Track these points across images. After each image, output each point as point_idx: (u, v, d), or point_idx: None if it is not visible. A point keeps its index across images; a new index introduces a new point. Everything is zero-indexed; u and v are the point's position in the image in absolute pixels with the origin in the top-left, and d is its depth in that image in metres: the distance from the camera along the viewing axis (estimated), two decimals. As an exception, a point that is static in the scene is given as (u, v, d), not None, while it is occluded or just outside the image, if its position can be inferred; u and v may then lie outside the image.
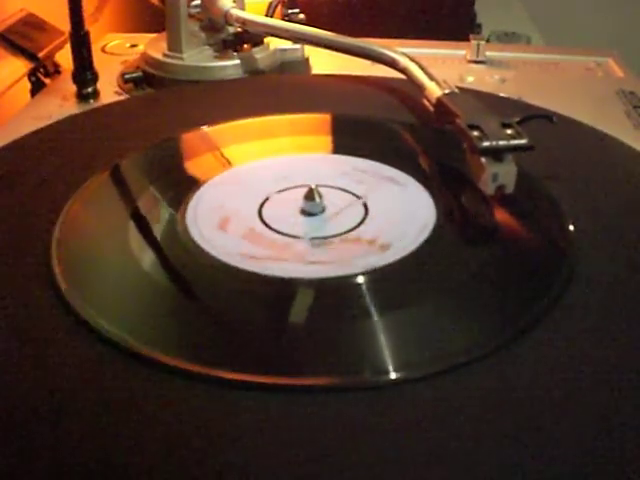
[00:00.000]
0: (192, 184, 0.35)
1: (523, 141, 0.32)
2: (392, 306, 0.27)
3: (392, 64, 0.44)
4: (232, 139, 0.40)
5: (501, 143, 0.32)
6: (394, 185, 0.35)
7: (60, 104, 0.48)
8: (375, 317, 0.27)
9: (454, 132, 0.35)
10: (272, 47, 0.53)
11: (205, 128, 0.41)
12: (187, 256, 0.30)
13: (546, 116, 0.37)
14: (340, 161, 0.37)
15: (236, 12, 0.50)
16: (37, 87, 0.53)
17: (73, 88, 0.49)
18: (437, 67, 0.48)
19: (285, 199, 0.34)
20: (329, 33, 0.47)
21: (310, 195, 0.32)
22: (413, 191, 0.35)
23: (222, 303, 0.28)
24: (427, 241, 0.31)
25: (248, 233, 0.32)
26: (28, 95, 0.53)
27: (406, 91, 0.44)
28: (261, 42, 0.52)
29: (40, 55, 0.54)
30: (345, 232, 0.31)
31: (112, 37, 0.61)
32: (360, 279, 0.28)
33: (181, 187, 0.35)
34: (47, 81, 0.54)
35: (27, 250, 0.30)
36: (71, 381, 0.24)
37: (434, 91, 0.39)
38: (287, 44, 0.53)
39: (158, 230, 0.33)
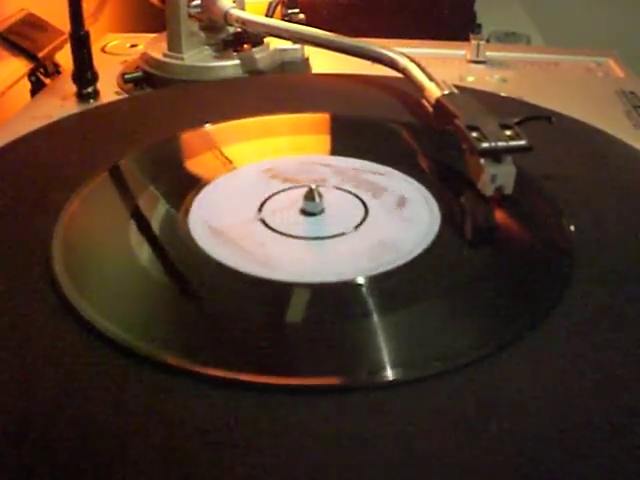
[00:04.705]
0: (192, 184, 0.35)
1: (522, 142, 0.32)
2: (392, 307, 0.27)
3: (392, 64, 0.44)
4: (232, 139, 0.40)
5: (500, 144, 0.32)
6: (394, 185, 0.35)
7: (60, 104, 0.48)
8: (375, 318, 0.27)
9: (453, 133, 0.35)
10: (272, 47, 0.53)
11: (205, 128, 0.41)
12: (188, 256, 0.30)
13: (545, 117, 0.37)
14: (340, 161, 0.37)
15: (236, 12, 0.50)
16: (37, 87, 0.53)
17: (73, 88, 0.49)
18: (437, 67, 0.48)
19: (285, 199, 0.34)
20: (329, 33, 0.47)
21: (310, 195, 0.32)
22: (413, 191, 0.35)
23: (222, 303, 0.28)
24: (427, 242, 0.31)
25: (248, 233, 0.32)
26: (28, 95, 0.53)
27: (406, 91, 0.44)
28: (261, 42, 0.52)
29: (40, 55, 0.54)
30: (345, 232, 0.32)
31: (112, 37, 0.61)
32: (360, 280, 0.28)
33: (181, 187, 0.35)
34: (47, 81, 0.54)
35: (27, 250, 0.30)
36: (71, 380, 0.24)
37: (433, 92, 0.39)
38: (287, 44, 0.53)
39: (159, 230, 0.33)
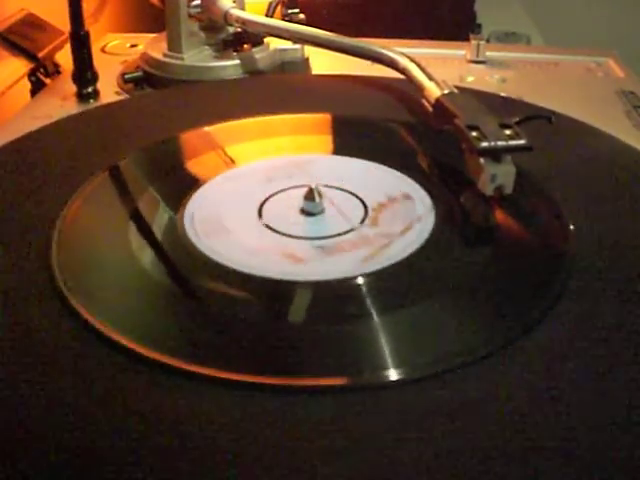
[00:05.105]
0: (192, 184, 0.35)
1: (522, 142, 0.32)
2: (392, 307, 0.27)
3: (392, 64, 0.44)
4: (232, 139, 0.40)
5: (500, 144, 0.32)
6: (394, 185, 0.35)
7: (60, 104, 0.49)
8: (375, 318, 0.27)
9: (453, 132, 0.35)
10: (272, 47, 0.53)
11: (205, 128, 0.41)
12: (187, 257, 0.30)
13: (545, 116, 0.37)
14: (340, 161, 0.37)
15: (236, 12, 0.50)
16: (37, 87, 0.53)
17: (73, 88, 0.49)
18: (437, 67, 0.48)
19: (285, 199, 0.34)
20: (329, 33, 0.47)
21: (310, 195, 0.32)
22: (413, 191, 0.35)
23: (222, 304, 0.28)
24: (427, 241, 0.31)
25: (247, 233, 0.32)
26: (28, 95, 0.53)
27: (406, 91, 0.44)
28: (261, 42, 0.52)
29: (40, 55, 0.54)
30: (345, 232, 0.32)
31: (112, 37, 0.61)
32: (360, 280, 0.28)
33: (181, 187, 0.35)
34: (47, 81, 0.54)
35: (27, 250, 0.30)
36: (71, 380, 0.24)
37: (433, 91, 0.39)
38: (287, 44, 0.53)
39: (158, 230, 0.33)
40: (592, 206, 0.34)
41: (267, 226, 0.32)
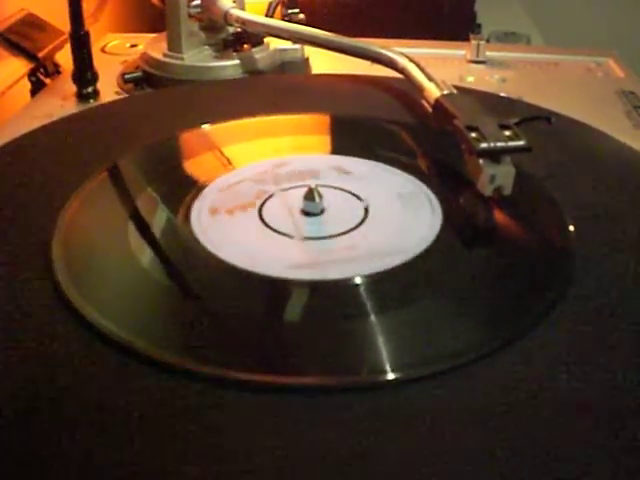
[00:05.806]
0: (192, 184, 0.35)
1: (521, 142, 0.32)
2: (391, 306, 0.27)
3: (391, 64, 0.44)
4: (232, 139, 0.40)
5: (499, 145, 0.32)
6: (394, 185, 0.35)
7: (60, 104, 0.49)
8: (374, 317, 0.27)
9: (452, 133, 0.35)
10: (272, 47, 0.53)
11: (205, 128, 0.41)
12: (187, 255, 0.30)
13: (544, 117, 0.37)
14: (340, 161, 0.37)
15: (236, 12, 0.50)
16: (37, 87, 0.53)
17: (73, 88, 0.49)
18: (437, 67, 0.48)
19: (285, 199, 0.34)
20: (329, 33, 0.47)
21: (310, 195, 0.32)
22: (413, 191, 0.35)
23: (221, 302, 0.28)
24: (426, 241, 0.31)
25: (247, 233, 0.32)
26: (28, 95, 0.53)
27: (406, 91, 0.44)
28: (261, 42, 0.52)
29: (40, 55, 0.54)
30: (345, 232, 0.32)
31: (112, 37, 0.61)
32: (359, 280, 0.28)
33: (181, 187, 0.35)
34: (47, 81, 0.54)
35: (27, 250, 0.30)
36: (70, 380, 0.24)
37: (433, 92, 0.39)
38: (287, 44, 0.53)
39: (158, 230, 0.33)
40: (592, 206, 0.34)
41: (267, 226, 0.32)
